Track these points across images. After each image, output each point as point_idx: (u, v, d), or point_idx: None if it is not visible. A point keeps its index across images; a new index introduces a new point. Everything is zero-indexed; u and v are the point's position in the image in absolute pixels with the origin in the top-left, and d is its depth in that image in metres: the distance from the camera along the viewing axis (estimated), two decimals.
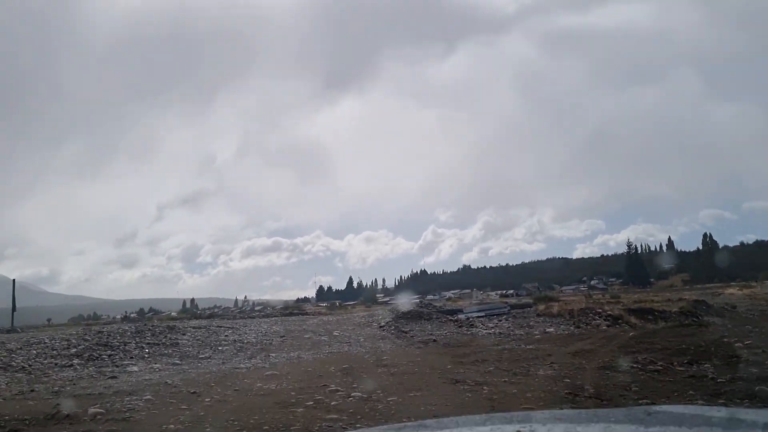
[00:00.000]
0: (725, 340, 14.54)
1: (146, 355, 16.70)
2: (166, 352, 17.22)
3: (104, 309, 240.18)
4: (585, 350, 13.81)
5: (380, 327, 24.32)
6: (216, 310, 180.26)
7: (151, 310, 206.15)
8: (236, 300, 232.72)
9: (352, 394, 9.23)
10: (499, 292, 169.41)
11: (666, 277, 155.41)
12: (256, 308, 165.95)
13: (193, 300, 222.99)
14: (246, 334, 21.67)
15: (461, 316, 26.63)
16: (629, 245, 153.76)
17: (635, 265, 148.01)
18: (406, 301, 36.85)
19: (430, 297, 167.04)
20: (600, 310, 26.07)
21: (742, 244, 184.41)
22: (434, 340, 18.47)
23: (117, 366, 15.16)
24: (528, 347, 15.07)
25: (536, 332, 20.35)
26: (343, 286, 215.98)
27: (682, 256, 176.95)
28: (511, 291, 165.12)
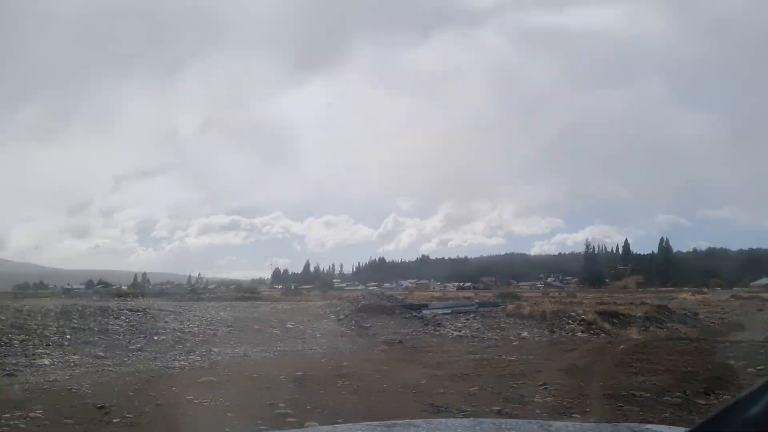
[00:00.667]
0: (731, 363, 12.77)
1: (66, 343, 14.22)
2: (91, 339, 14.77)
3: (53, 278, 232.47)
4: (578, 367, 11.86)
5: (339, 320, 22.20)
6: (167, 286, 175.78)
7: (101, 282, 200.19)
8: (189, 277, 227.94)
9: (306, 425, 7.03)
10: (457, 284, 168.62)
11: (620, 278, 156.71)
12: (210, 286, 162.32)
13: (144, 274, 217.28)
14: (189, 321, 19.29)
15: (426, 313, 24.64)
16: (587, 245, 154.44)
17: (591, 265, 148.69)
18: (364, 291, 34.67)
19: (387, 285, 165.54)
20: (573, 314, 24.39)
21: (695, 250, 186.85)
22: (400, 341, 16.39)
23: (26, 356, 12.68)
24: (510, 359, 13.08)
25: (511, 336, 18.42)
26: (299, 270, 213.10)
27: (637, 258, 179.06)
28: (469, 284, 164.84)
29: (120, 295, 48.27)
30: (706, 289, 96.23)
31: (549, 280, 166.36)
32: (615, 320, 25.05)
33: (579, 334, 21.09)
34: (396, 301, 30.05)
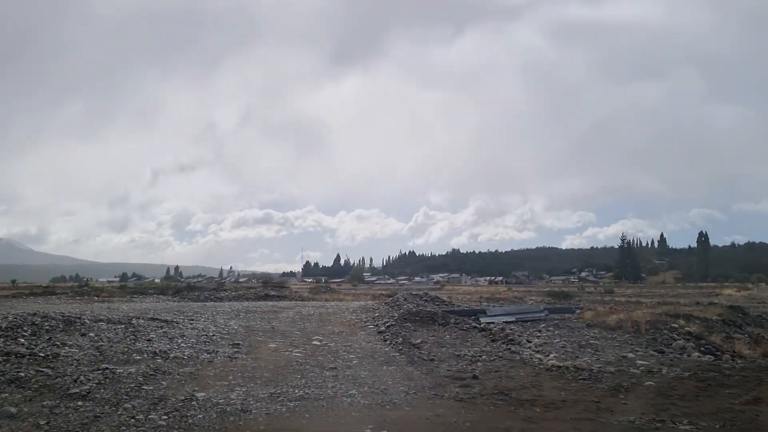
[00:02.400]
0: None
1: None
2: (19, 376, 9.69)
3: (89, 271, 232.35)
4: None
5: (379, 332, 16.93)
6: (200, 279, 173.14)
7: (134, 275, 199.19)
8: (221, 270, 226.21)
9: None
10: (488, 278, 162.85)
11: (656, 272, 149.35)
12: (240, 280, 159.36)
13: (177, 268, 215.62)
14: (183, 337, 14.12)
15: (486, 321, 19.29)
16: (623, 239, 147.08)
17: (627, 260, 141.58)
18: (404, 292, 29.39)
19: (417, 279, 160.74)
20: (676, 325, 18.79)
21: (733, 245, 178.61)
22: (475, 377, 10.97)
23: None
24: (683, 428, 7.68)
25: (624, 364, 12.86)
26: (330, 263, 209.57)
27: (673, 253, 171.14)
28: (500, 278, 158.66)
29: (133, 291, 43.76)
30: (750, 285, 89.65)
31: (582, 274, 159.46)
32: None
33: (695, 354, 15.54)
34: (443, 304, 24.73)
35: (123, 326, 14.61)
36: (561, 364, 11.88)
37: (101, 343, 12.46)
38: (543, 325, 19.31)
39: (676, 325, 18.64)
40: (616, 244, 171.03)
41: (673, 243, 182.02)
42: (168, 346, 12.84)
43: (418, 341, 15.20)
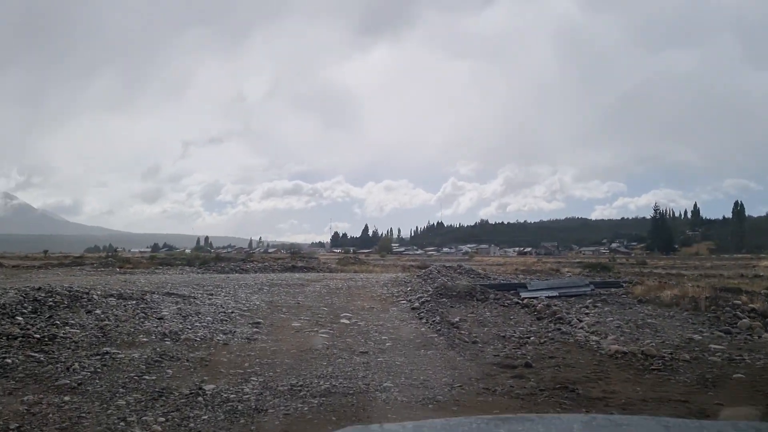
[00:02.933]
0: None
1: None
2: (6, 361, 8.40)
3: (122, 242, 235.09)
4: None
5: (413, 308, 15.45)
6: (229, 250, 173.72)
7: (165, 245, 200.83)
8: (250, 240, 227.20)
9: None
10: (517, 249, 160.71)
11: (690, 244, 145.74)
12: (270, 250, 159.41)
13: (207, 238, 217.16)
14: (199, 314, 12.76)
15: (527, 296, 17.68)
16: (656, 209, 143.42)
17: (660, 231, 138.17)
18: (438, 265, 27.84)
19: (445, 250, 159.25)
20: (738, 301, 16.96)
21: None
22: (528, 365, 9.39)
23: None
24: None
25: (694, 346, 11.16)
26: (358, 234, 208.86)
27: (707, 223, 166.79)
28: (529, 249, 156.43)
29: (160, 262, 42.96)
30: None
31: (613, 245, 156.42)
32: None
33: (765, 336, 13.75)
34: (479, 277, 23.17)
35: (134, 302, 13.30)
36: (626, 350, 10.21)
37: (107, 322, 11.13)
38: (589, 300, 17.64)
39: (738, 302, 16.82)
40: (647, 214, 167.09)
41: (707, 213, 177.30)
42: (180, 325, 11.47)
43: (457, 319, 13.66)
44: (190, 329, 11.21)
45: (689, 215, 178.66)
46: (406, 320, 13.83)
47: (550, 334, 12.33)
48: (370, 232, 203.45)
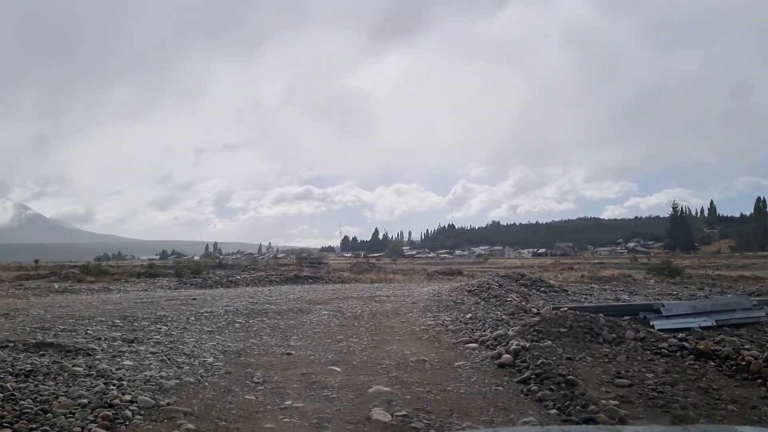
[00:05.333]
0: None
1: None
2: None
3: (132, 249, 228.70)
4: None
5: (500, 364, 7.96)
6: (238, 256, 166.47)
7: (174, 252, 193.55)
8: (260, 246, 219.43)
9: None
10: (531, 250, 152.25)
11: (709, 242, 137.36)
12: (279, 255, 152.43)
13: (216, 244, 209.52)
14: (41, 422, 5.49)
15: (665, 326, 10.25)
16: (674, 207, 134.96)
17: (679, 229, 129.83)
18: (495, 278, 20.44)
19: (458, 252, 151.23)
20: None
21: None
22: None
23: None
24: None
25: None
26: (368, 237, 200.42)
27: (725, 221, 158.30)
28: (543, 249, 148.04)
29: (143, 273, 35.78)
30: None
31: (630, 245, 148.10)
32: None
33: None
34: (555, 291, 15.73)
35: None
36: None
37: None
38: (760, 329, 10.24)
39: None
40: (660, 213, 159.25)
41: (721, 211, 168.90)
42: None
43: (578, 393, 6.25)
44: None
45: (704, 213, 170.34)
46: (499, 396, 6.34)
47: None
48: (381, 236, 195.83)
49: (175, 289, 21.22)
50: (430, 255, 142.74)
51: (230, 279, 24.07)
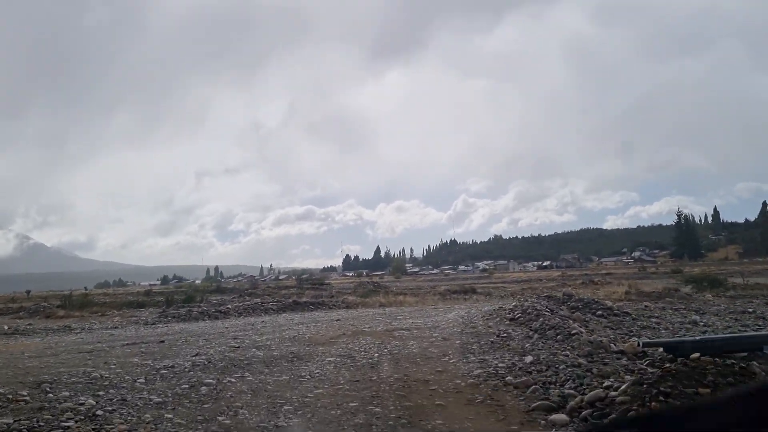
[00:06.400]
0: None
1: None
2: None
3: (134, 276, 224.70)
4: None
5: None
6: (239, 279, 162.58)
7: (175, 277, 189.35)
8: (261, 268, 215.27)
9: None
10: (536, 263, 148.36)
11: (715, 249, 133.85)
12: (281, 277, 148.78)
13: (217, 268, 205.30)
14: None
15: None
16: (679, 214, 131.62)
17: (686, 236, 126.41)
18: (541, 302, 16.95)
19: (462, 268, 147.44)
20: None
21: None
22: None
23: None
24: None
25: None
26: (370, 256, 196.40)
27: (730, 227, 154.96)
28: (548, 262, 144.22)
29: (130, 304, 32.50)
30: None
31: (635, 254, 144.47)
32: None
33: None
34: (611, 313, 12.36)
35: None
36: None
37: None
38: None
39: None
40: (662, 221, 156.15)
41: (723, 217, 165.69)
42: None
43: None
44: None
45: (707, 220, 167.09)
46: None
47: None
48: (383, 254, 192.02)
49: (152, 324, 17.78)
50: (433, 271, 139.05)
51: (219, 309, 20.61)
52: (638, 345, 8.58)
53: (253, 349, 10.09)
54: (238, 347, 10.33)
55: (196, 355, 9.58)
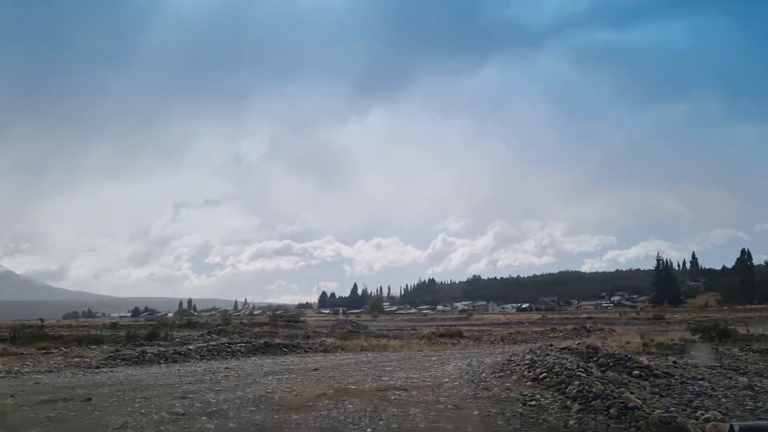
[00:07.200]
0: None
1: None
2: None
3: (105, 306, 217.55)
4: None
5: None
6: (213, 312, 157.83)
7: (147, 309, 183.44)
8: (236, 303, 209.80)
9: None
10: (515, 305, 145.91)
11: (694, 295, 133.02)
12: (255, 312, 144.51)
13: (190, 301, 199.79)
14: None
15: None
16: (659, 260, 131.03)
17: (665, 282, 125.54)
18: (553, 353, 14.30)
19: (440, 308, 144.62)
20: None
21: (766, 263, 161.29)
22: None
23: None
24: None
25: None
26: (347, 293, 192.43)
27: (708, 273, 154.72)
28: (527, 304, 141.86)
29: (89, 339, 29.50)
30: None
31: (614, 298, 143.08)
32: None
33: None
34: (651, 373, 9.89)
35: None
36: None
37: None
38: None
39: None
40: (640, 266, 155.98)
41: (701, 264, 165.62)
42: None
43: None
44: None
45: (685, 266, 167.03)
46: None
47: None
48: (360, 291, 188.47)
49: (96, 368, 14.93)
50: (411, 311, 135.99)
51: (179, 351, 17.81)
52: (732, 430, 6.19)
53: (203, 418, 7.47)
54: (183, 414, 7.69)
55: (121, 427, 6.93)
